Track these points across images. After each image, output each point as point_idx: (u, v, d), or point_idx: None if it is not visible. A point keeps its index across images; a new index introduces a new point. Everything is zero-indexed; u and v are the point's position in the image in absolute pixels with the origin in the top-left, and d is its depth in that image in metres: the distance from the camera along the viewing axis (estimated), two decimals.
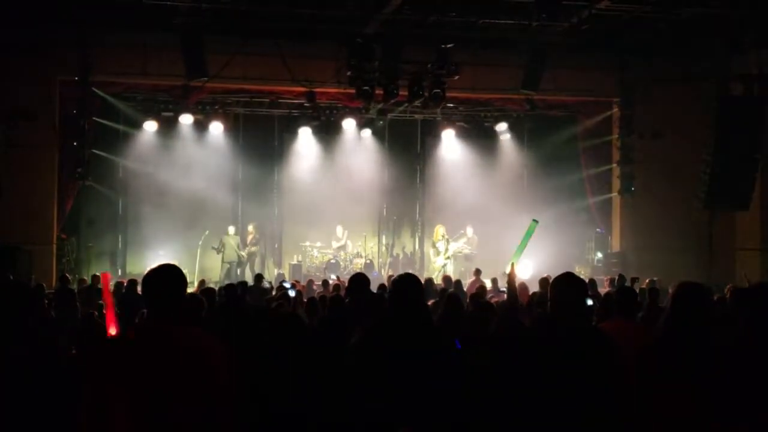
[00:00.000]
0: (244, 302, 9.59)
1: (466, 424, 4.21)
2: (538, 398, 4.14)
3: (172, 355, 3.64)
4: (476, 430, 4.24)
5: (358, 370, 4.50)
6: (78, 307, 12.66)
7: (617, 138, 20.03)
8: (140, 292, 12.78)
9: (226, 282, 16.12)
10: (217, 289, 10.64)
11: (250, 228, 20.45)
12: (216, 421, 3.66)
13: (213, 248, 19.53)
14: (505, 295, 11.64)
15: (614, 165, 20.27)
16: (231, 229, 19.96)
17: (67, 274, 15.34)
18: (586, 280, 12.62)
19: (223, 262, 19.68)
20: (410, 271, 5.59)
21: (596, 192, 20.86)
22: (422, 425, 3.69)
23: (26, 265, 16.47)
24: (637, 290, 10.86)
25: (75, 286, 14.63)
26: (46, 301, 10.43)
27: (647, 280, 13.78)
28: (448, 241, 20.18)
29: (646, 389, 4.06)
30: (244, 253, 19.96)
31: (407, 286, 4.65)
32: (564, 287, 4.54)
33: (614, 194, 20.49)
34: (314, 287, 14.08)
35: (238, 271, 19.54)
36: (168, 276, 3.85)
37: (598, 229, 21.30)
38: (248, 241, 20.23)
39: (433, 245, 20.54)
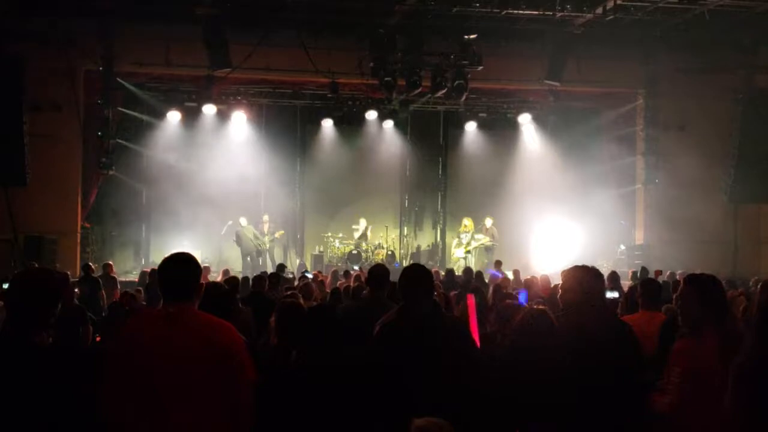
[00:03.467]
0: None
1: (486, 415, 4.21)
2: (561, 387, 4.14)
3: (186, 339, 3.66)
4: (498, 420, 4.23)
5: (376, 362, 4.51)
6: (103, 295, 12.81)
7: (642, 129, 19.88)
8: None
9: (247, 273, 16.18)
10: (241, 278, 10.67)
11: (265, 218, 20.35)
12: (234, 405, 3.68)
13: (234, 241, 19.62)
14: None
15: (638, 156, 20.12)
16: (243, 221, 19.72)
17: (91, 263, 15.45)
18: (608, 273, 12.58)
19: (242, 255, 19.68)
20: (420, 262, 5.59)
21: (620, 184, 20.72)
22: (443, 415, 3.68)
23: (50, 253, 16.65)
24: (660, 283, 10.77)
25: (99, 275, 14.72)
26: (77, 291, 10.48)
27: (667, 273, 13.71)
28: (472, 235, 20.13)
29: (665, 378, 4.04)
30: (265, 240, 19.87)
31: (420, 276, 4.66)
32: (571, 278, 4.52)
33: (638, 186, 20.34)
34: (340, 278, 14.07)
35: (260, 261, 19.51)
36: (180, 263, 3.88)
37: (621, 222, 21.17)
38: (265, 231, 20.15)
39: (458, 236, 20.50)
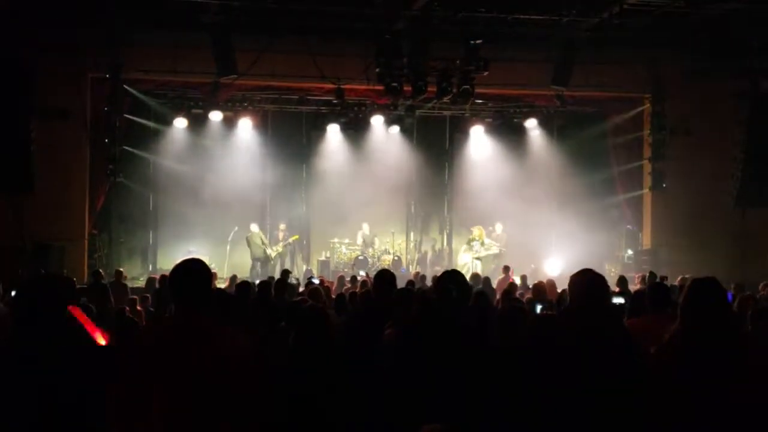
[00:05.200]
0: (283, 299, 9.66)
1: (496, 420, 4.20)
2: (564, 394, 4.13)
3: (199, 349, 3.65)
4: (506, 426, 4.22)
5: (392, 366, 4.51)
6: (111, 302, 12.82)
7: (648, 134, 19.85)
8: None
9: (255, 279, 16.18)
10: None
11: (282, 226, 20.53)
12: (245, 415, 3.67)
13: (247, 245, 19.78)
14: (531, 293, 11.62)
15: (645, 161, 20.09)
16: (254, 227, 19.94)
17: (101, 270, 15.50)
18: (616, 278, 12.56)
19: (252, 259, 19.75)
20: (426, 268, 5.60)
21: (627, 188, 20.70)
22: (453, 422, 3.68)
23: (58, 260, 16.68)
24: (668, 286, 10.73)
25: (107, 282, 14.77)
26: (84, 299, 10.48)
27: (679, 278, 13.64)
28: (482, 244, 20.06)
29: (665, 386, 4.02)
30: (278, 248, 20.00)
31: (453, 283, 4.66)
32: (579, 283, 4.50)
33: (645, 191, 20.31)
34: (346, 283, 14.08)
35: (268, 267, 19.54)
36: (193, 271, 3.88)
37: (628, 227, 21.13)
38: (280, 238, 20.31)
39: (468, 242, 20.37)
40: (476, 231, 20.24)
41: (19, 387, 3.31)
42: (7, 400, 3.30)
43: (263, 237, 19.94)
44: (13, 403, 3.29)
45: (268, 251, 19.82)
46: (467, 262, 19.95)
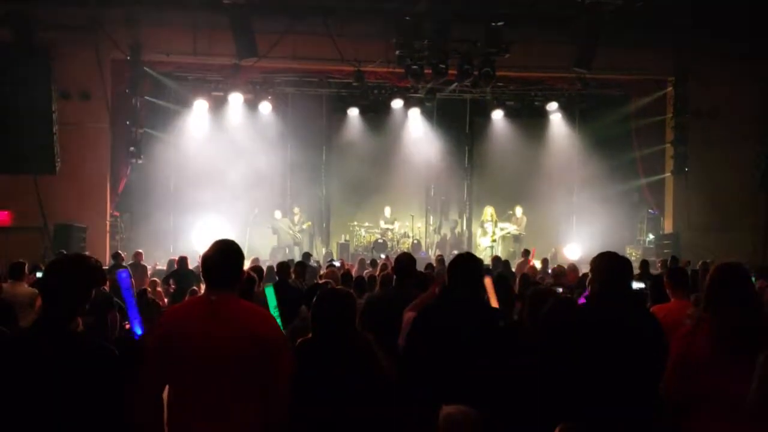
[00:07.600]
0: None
1: (515, 402, 4.19)
2: (585, 376, 4.10)
3: (226, 328, 3.65)
4: (525, 408, 4.21)
5: (410, 349, 4.51)
6: (132, 283, 12.86)
7: (671, 117, 19.67)
8: (193, 268, 12.95)
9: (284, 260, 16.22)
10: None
11: (296, 210, 20.60)
12: (272, 399, 3.67)
13: (270, 229, 19.80)
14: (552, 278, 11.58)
15: (668, 145, 19.91)
16: (278, 214, 20.06)
17: (120, 251, 15.59)
18: (639, 262, 12.49)
19: (279, 247, 19.76)
20: (445, 251, 5.57)
21: (649, 172, 20.52)
22: (472, 404, 3.67)
23: (80, 242, 16.80)
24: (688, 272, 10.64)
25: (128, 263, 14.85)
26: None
27: (700, 262, 13.53)
28: (495, 223, 20.05)
29: (689, 368, 3.98)
30: (298, 234, 20.07)
31: (466, 265, 4.64)
32: (605, 265, 4.46)
33: (667, 174, 20.13)
34: (366, 266, 14.09)
35: (296, 251, 19.55)
36: (223, 251, 3.87)
37: (650, 211, 20.98)
38: (295, 222, 20.36)
39: (482, 225, 20.45)
40: (487, 211, 20.22)
41: (47, 369, 3.32)
42: (36, 382, 3.32)
43: (289, 222, 19.97)
44: (41, 385, 3.30)
45: (297, 235, 19.87)
46: (487, 246, 19.94)
